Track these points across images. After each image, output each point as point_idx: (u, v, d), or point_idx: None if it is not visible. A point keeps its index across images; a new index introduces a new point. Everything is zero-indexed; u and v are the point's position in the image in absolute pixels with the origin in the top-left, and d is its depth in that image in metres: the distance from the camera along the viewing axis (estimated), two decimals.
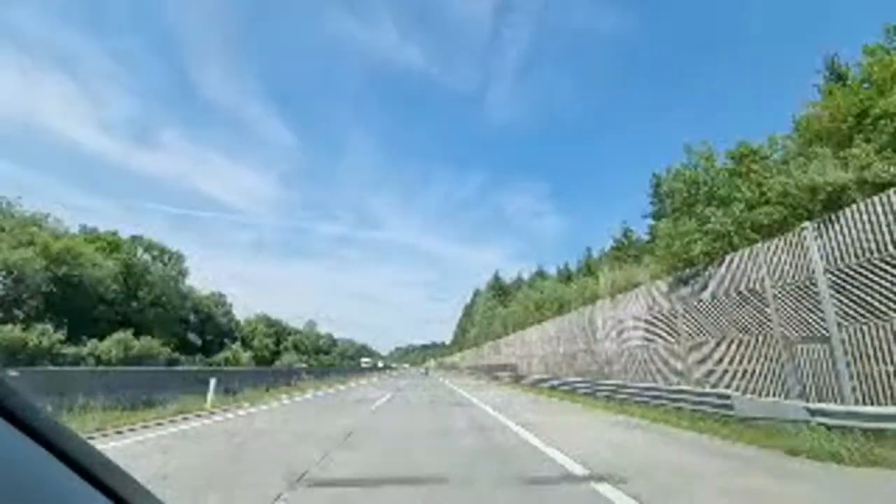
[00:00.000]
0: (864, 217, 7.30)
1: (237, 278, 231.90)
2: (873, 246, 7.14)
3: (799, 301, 8.45)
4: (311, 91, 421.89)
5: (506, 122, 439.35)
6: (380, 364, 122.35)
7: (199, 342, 54.67)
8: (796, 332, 8.49)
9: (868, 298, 7.16)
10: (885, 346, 6.86)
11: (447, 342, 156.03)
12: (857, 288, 7.36)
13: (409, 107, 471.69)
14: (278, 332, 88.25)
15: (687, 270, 12.30)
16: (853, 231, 7.50)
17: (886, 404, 6.67)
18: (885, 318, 6.89)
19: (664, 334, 13.05)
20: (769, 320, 9.15)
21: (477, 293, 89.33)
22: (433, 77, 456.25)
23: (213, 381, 14.37)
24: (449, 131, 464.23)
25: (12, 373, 9.67)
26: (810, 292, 8.21)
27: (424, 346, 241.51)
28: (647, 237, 30.81)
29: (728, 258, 10.56)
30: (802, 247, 8.45)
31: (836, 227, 7.79)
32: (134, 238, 53.48)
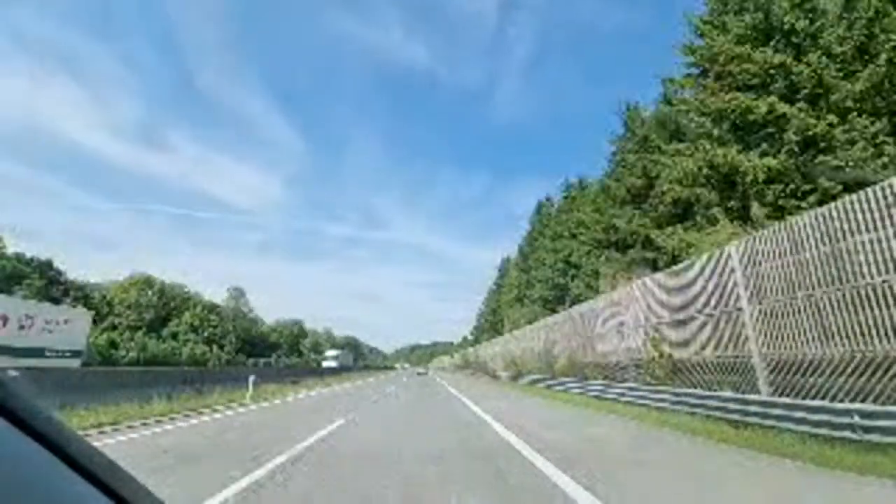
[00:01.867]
0: None
1: (245, 280, 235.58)
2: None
3: None
4: (315, 91, 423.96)
5: (512, 120, 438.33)
6: (332, 364, 65.17)
7: None
8: None
9: None
10: None
11: (455, 342, 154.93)
12: None
13: (414, 106, 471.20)
14: (168, 303, 61.73)
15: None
16: None
17: None
18: None
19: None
20: None
21: (507, 261, 61.97)
22: (438, 75, 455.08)
23: None
24: (455, 130, 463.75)
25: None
26: None
27: (433, 345, 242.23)
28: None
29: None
30: None
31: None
32: None
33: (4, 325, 19.35)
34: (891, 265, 6.40)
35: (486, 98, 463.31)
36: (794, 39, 13.90)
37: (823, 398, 7.13)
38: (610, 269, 23.94)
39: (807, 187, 13.12)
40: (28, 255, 51.36)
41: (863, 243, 6.79)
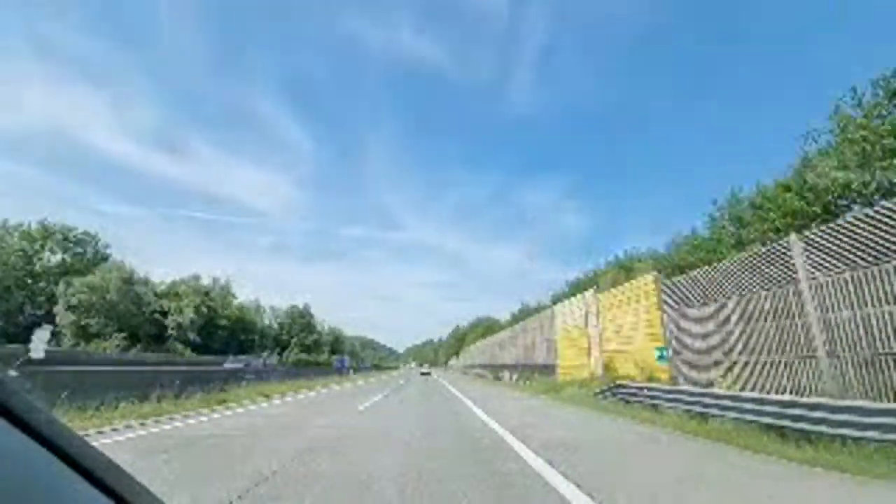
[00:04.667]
0: None
1: (260, 281, 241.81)
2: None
3: None
4: (329, 92, 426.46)
5: (524, 118, 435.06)
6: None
7: None
8: None
9: None
10: None
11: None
12: None
13: (427, 105, 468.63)
14: None
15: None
16: None
17: None
18: None
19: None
20: None
21: None
22: (450, 74, 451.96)
23: None
24: (467, 128, 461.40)
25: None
26: None
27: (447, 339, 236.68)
28: None
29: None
30: None
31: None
32: None
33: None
34: None
35: (499, 96, 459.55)
36: None
37: None
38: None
39: None
40: None
41: None
